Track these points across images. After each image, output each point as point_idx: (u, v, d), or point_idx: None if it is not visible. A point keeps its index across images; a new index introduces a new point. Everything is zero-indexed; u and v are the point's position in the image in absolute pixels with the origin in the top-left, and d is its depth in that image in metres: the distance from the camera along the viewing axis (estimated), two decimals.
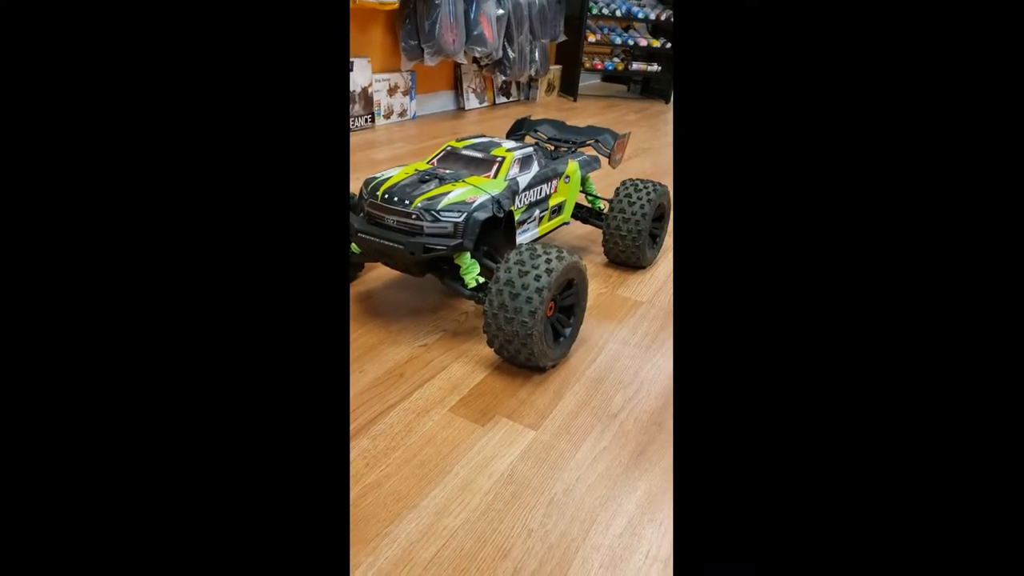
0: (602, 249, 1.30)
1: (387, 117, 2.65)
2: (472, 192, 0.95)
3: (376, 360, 0.93)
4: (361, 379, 0.88)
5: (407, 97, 2.72)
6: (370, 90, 2.51)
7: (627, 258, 1.27)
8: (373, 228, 0.94)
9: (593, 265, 1.31)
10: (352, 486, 0.68)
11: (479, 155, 1.06)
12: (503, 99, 3.32)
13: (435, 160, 1.09)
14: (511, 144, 1.12)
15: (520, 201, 1.05)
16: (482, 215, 0.92)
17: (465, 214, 0.91)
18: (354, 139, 2.36)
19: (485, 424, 0.80)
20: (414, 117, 2.78)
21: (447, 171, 1.02)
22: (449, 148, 1.10)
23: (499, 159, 1.05)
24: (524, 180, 1.06)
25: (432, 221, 0.90)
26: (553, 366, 0.92)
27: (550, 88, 3.62)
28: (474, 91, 3.10)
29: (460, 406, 0.83)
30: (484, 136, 1.20)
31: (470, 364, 0.93)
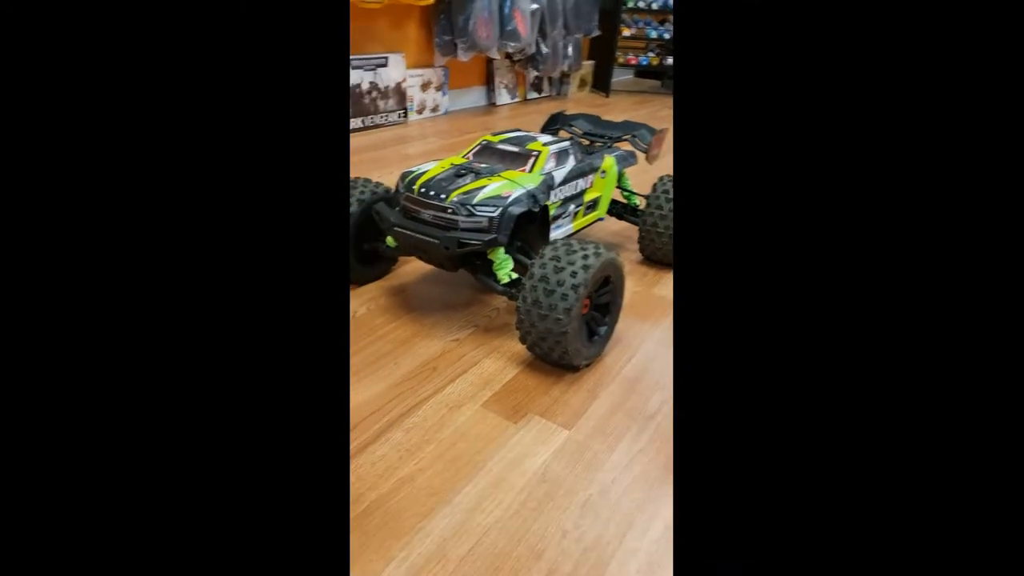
0: (637, 246, 1.27)
1: (419, 112, 2.66)
2: (507, 186, 0.94)
3: (409, 353, 0.93)
4: (395, 372, 0.88)
5: (439, 92, 2.73)
6: (403, 85, 2.52)
7: (664, 256, 1.24)
8: (408, 222, 0.93)
9: (628, 263, 1.29)
10: (386, 479, 0.68)
11: (514, 149, 1.05)
12: (535, 95, 3.30)
13: (471, 154, 1.08)
14: (547, 138, 1.11)
15: (555, 196, 1.04)
16: (517, 209, 0.91)
17: (500, 208, 0.90)
18: (386, 134, 2.37)
19: (518, 421, 0.79)
20: (446, 112, 2.79)
21: (483, 165, 1.01)
22: (484, 142, 1.09)
23: (535, 153, 1.03)
24: (560, 175, 1.05)
25: (467, 215, 0.89)
26: (587, 365, 0.91)
27: (582, 84, 3.59)
28: (506, 87, 3.09)
29: (492, 402, 0.83)
30: (519, 130, 1.19)
31: (502, 360, 0.92)
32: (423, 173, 0.97)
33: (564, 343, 0.83)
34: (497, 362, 0.92)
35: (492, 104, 3.05)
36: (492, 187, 0.93)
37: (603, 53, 3.53)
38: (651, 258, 1.27)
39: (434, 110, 2.72)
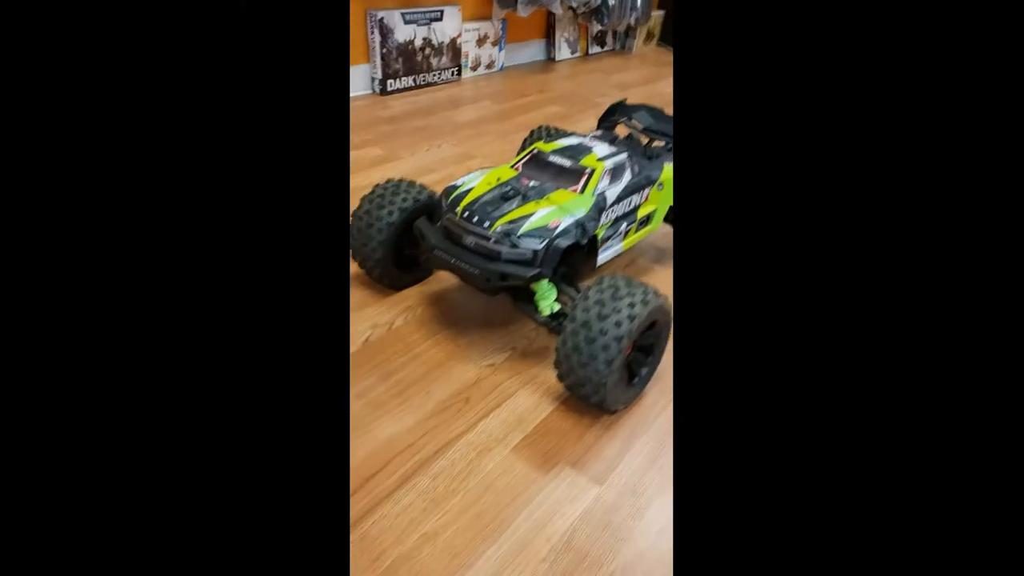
0: None
1: (474, 69, 2.54)
2: (555, 214, 0.88)
3: (443, 378, 0.92)
4: (427, 402, 0.87)
5: (496, 48, 2.59)
6: (459, 40, 2.39)
7: None
8: (448, 245, 0.90)
9: None
10: (409, 534, 0.68)
11: (567, 163, 0.98)
12: (597, 49, 3.10)
13: (520, 164, 1.01)
14: (603, 151, 1.02)
15: (606, 216, 0.97)
16: (564, 242, 0.86)
17: (546, 241, 0.85)
18: (437, 95, 2.28)
19: (548, 472, 0.77)
20: (502, 68, 2.65)
21: (531, 183, 0.95)
22: (536, 151, 1.02)
23: (588, 171, 0.96)
24: (613, 193, 0.97)
25: (510, 247, 0.85)
26: (624, 407, 0.87)
27: (648, 37, 3.33)
28: (567, 40, 2.90)
29: (523, 446, 0.81)
30: (575, 135, 1.10)
31: (537, 393, 0.90)
32: (467, 192, 0.92)
33: (602, 392, 0.79)
34: (532, 396, 0.90)
35: (551, 59, 2.88)
36: (538, 215, 0.87)
37: (675, 3, 3.24)
38: None
39: (489, 66, 2.60)
